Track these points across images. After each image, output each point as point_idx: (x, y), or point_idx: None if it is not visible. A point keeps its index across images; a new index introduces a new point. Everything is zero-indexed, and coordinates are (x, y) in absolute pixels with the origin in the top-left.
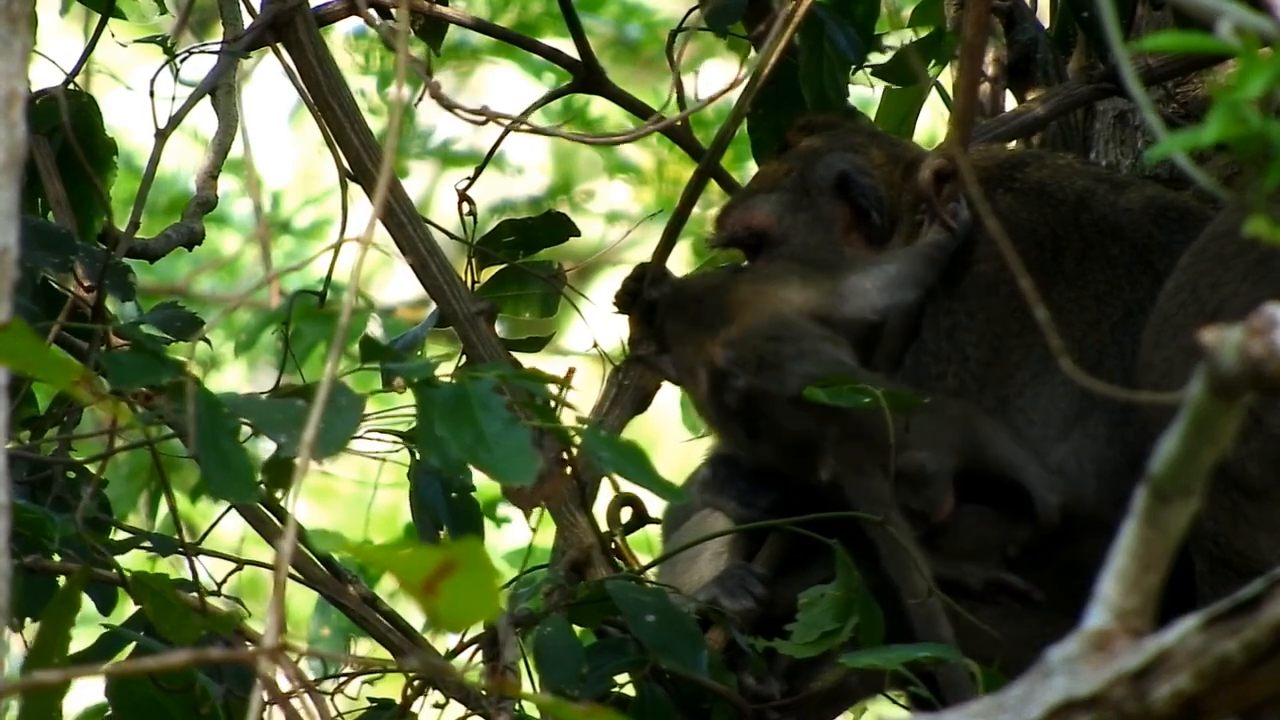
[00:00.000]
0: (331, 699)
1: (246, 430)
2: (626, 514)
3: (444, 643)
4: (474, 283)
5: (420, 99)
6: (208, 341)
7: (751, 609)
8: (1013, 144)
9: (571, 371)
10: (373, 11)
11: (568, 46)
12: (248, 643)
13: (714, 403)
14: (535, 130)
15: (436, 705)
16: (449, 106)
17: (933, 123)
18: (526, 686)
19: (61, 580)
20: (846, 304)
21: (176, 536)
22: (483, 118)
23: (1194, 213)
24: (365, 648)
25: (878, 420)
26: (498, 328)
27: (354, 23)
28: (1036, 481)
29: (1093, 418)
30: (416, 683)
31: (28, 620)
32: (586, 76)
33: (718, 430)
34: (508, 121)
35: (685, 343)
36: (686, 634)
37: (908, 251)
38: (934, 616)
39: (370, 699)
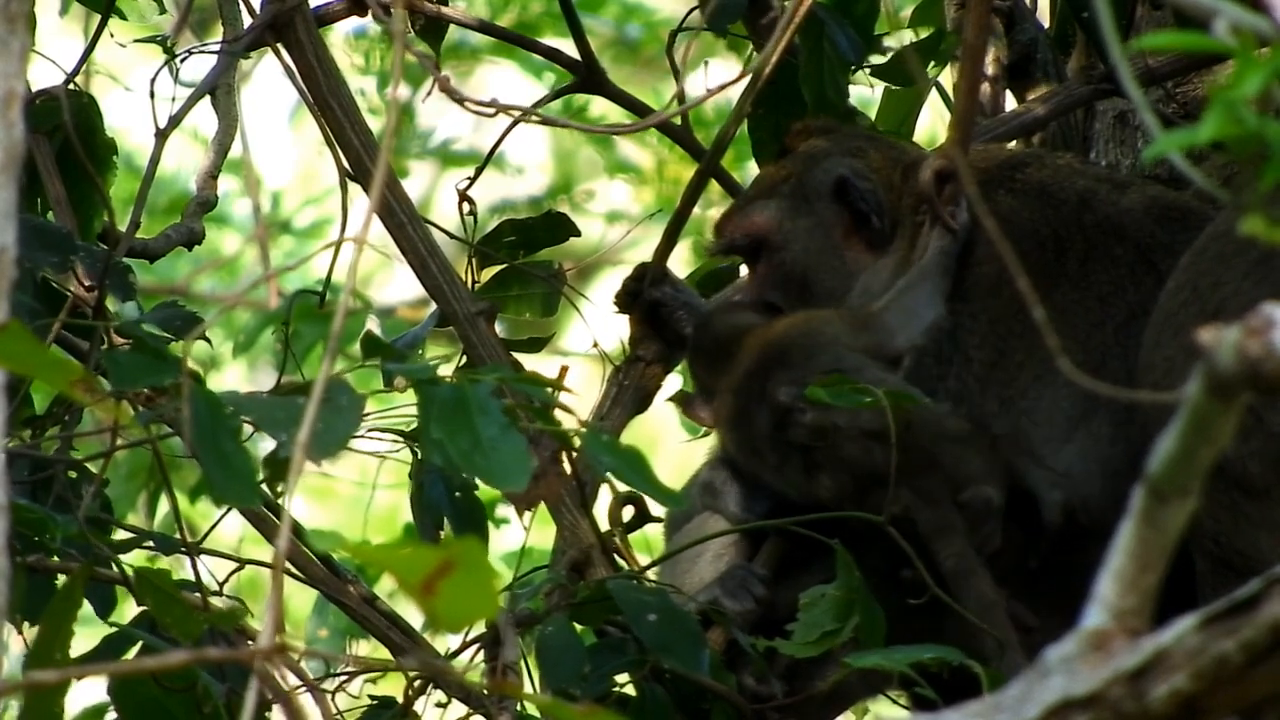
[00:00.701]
0: (332, 698)
1: (247, 430)
2: (628, 513)
3: (444, 642)
4: (474, 283)
5: (430, 94)
6: (208, 341)
7: (752, 609)
8: (1012, 144)
9: (564, 370)
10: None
11: (568, 46)
12: (249, 642)
13: (774, 441)
14: (544, 121)
15: (439, 705)
16: (459, 100)
17: (933, 123)
18: (528, 686)
19: (62, 580)
20: (897, 338)
21: (177, 536)
22: (492, 110)
23: (1196, 213)
24: (365, 648)
25: (949, 453)
26: (498, 328)
27: (354, 23)
28: (1038, 482)
29: (1097, 418)
30: (418, 682)
31: (30, 620)
32: (587, 76)
33: (773, 471)
34: (517, 113)
35: (727, 389)
36: (688, 634)
37: (924, 269)
38: (1014, 661)
39: (372, 697)
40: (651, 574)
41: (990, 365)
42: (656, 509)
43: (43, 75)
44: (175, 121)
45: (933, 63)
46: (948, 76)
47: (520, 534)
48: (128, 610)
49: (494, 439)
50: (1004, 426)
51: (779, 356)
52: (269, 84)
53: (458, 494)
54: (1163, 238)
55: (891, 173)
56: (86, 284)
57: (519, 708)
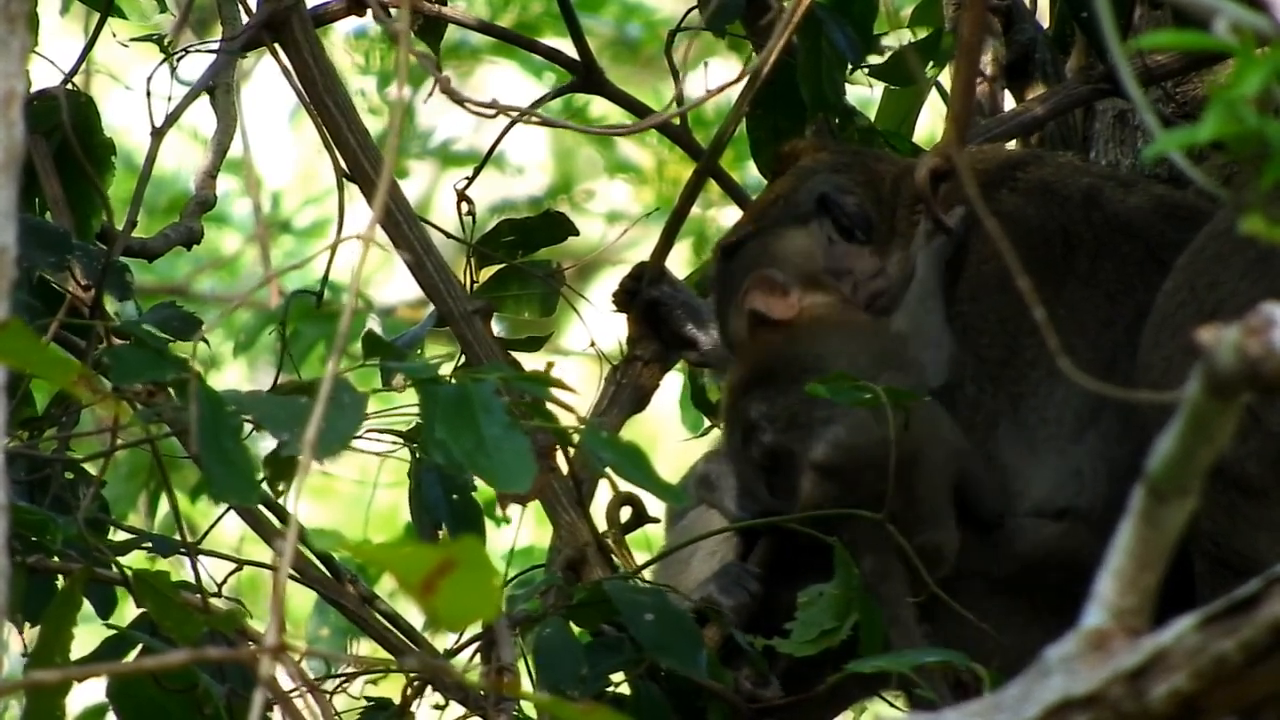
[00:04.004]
0: (331, 699)
1: (246, 429)
2: (625, 513)
3: (444, 642)
4: (473, 282)
5: (430, 95)
6: (206, 343)
7: (746, 603)
8: (1011, 144)
9: (550, 366)
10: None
11: (568, 46)
12: (249, 643)
13: (743, 455)
14: (544, 122)
15: (436, 706)
16: (459, 100)
17: (932, 123)
18: (526, 686)
19: (62, 581)
20: (931, 378)
21: (177, 536)
22: (492, 110)
23: (1202, 212)
24: (367, 648)
25: (898, 500)
26: (497, 327)
27: (353, 22)
28: (984, 491)
29: (1106, 417)
30: (415, 683)
31: (31, 621)
32: (586, 76)
33: (742, 485)
34: (516, 113)
35: (731, 400)
36: (685, 633)
37: (925, 289)
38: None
39: (368, 698)
40: (648, 573)
41: (1001, 364)
42: (654, 509)
43: (42, 75)
44: (171, 120)
45: (932, 63)
46: (947, 76)
47: (524, 533)
48: (127, 611)
49: (497, 439)
50: (1013, 425)
51: (766, 371)
52: (269, 84)
53: (455, 496)
54: (1172, 236)
55: (879, 185)
56: (83, 283)
57: (517, 709)
